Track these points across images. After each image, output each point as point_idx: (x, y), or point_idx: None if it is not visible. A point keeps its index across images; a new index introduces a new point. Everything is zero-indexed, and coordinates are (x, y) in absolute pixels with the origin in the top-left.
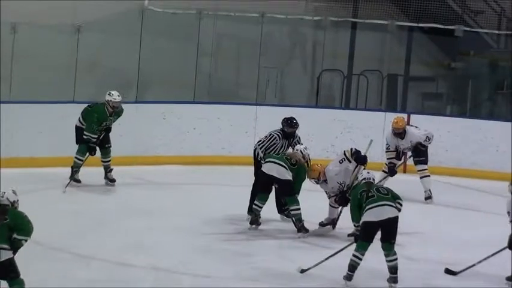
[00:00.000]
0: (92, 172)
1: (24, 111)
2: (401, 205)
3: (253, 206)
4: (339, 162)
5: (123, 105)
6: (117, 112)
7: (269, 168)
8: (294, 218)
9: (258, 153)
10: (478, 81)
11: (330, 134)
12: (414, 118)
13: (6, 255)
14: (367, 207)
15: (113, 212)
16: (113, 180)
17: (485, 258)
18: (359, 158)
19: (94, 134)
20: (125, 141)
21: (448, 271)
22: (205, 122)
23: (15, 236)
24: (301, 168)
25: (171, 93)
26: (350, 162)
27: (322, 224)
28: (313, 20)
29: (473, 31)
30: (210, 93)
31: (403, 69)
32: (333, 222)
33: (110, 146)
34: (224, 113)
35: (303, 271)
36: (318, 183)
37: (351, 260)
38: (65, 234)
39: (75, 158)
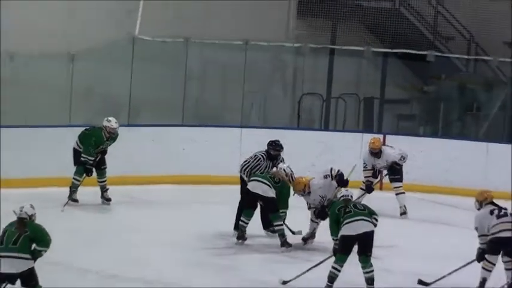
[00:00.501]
0: (88, 192)
1: (22, 134)
2: (377, 220)
3: (240, 222)
4: (324, 177)
5: None
6: (113, 137)
7: (254, 186)
8: (278, 234)
9: (244, 173)
10: (449, 103)
11: (310, 154)
12: (390, 138)
13: (29, 264)
14: (345, 221)
15: (108, 229)
16: (108, 200)
17: (455, 270)
18: (341, 181)
19: (91, 156)
20: (118, 162)
21: (420, 282)
22: (193, 144)
23: (35, 247)
24: (284, 186)
25: (160, 116)
26: (332, 179)
27: (304, 239)
28: (293, 46)
29: (444, 56)
30: (197, 116)
31: (378, 92)
32: (313, 235)
33: (106, 167)
34: (211, 135)
35: (284, 283)
36: (303, 195)
37: (330, 271)
38: (62, 249)
39: (73, 178)
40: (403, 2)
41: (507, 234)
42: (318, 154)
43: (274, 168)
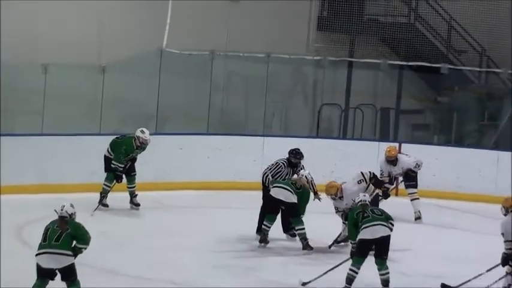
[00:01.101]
0: (118, 197)
1: (55, 143)
2: (393, 225)
3: (262, 226)
4: (357, 182)
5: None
6: (142, 147)
7: (276, 193)
8: (300, 237)
9: (266, 179)
10: (461, 114)
11: (329, 162)
12: (405, 147)
13: (69, 260)
14: (363, 226)
15: (137, 233)
16: (137, 205)
17: (480, 275)
18: (377, 183)
19: (121, 163)
20: (147, 168)
21: (444, 286)
22: (217, 152)
23: (76, 244)
24: (305, 192)
25: (186, 125)
26: (367, 183)
27: (337, 242)
28: (313, 59)
29: (457, 69)
30: (221, 125)
31: (394, 103)
32: (347, 238)
33: (135, 174)
34: (234, 143)
35: (304, 284)
36: (334, 199)
37: (348, 273)
38: (93, 252)
39: (104, 184)
40: (418, 17)
41: None
42: (337, 161)
43: (295, 175)
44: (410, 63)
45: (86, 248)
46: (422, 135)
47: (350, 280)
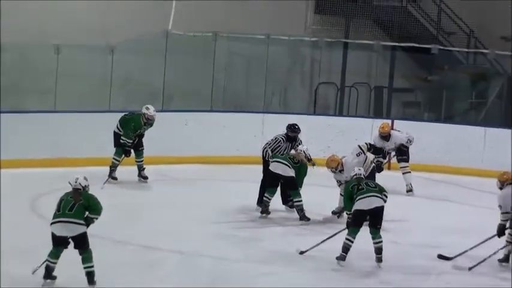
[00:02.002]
0: (126, 171)
1: (67, 119)
2: (386, 196)
3: (264, 198)
4: (356, 155)
5: None
6: (149, 123)
7: (275, 167)
8: (297, 208)
9: (265, 153)
10: (451, 92)
11: (326, 137)
12: (397, 123)
13: (83, 229)
14: (358, 198)
15: (145, 205)
16: (145, 178)
17: (476, 245)
18: (375, 151)
19: (129, 139)
20: (154, 143)
21: (441, 256)
22: (220, 128)
23: (88, 214)
24: (302, 166)
25: (191, 103)
26: (365, 154)
27: (334, 212)
28: (311, 40)
29: (446, 49)
30: (224, 103)
31: (387, 82)
32: (343, 210)
33: (143, 149)
34: (236, 119)
35: (301, 252)
36: (334, 172)
37: (344, 242)
38: (103, 223)
39: (113, 159)
40: (410, 1)
41: None
42: (333, 137)
43: (293, 150)
44: (402, 44)
45: (97, 218)
46: (414, 112)
47: (346, 249)
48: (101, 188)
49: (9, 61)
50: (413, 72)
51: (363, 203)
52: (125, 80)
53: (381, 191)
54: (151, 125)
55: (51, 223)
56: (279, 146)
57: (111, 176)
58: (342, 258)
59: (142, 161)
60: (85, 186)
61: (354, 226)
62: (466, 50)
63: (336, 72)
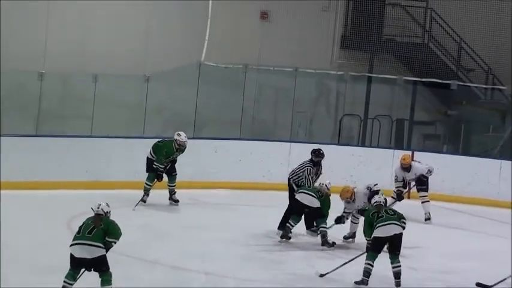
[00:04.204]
0: (158, 194)
1: (103, 144)
2: (405, 224)
3: (287, 224)
4: (367, 187)
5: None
6: (181, 149)
7: (302, 198)
8: (321, 233)
9: (292, 180)
10: (469, 126)
11: (349, 166)
12: (417, 154)
13: (101, 252)
14: (377, 225)
15: (175, 226)
16: (176, 201)
17: None
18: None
19: (162, 165)
20: (185, 169)
21: (479, 285)
22: (249, 155)
23: (107, 238)
24: (326, 198)
25: (221, 131)
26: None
27: (345, 238)
28: (336, 74)
29: (465, 85)
30: (253, 132)
31: (408, 115)
32: (354, 235)
33: (176, 174)
34: (264, 148)
35: (321, 275)
36: (348, 202)
37: (365, 267)
38: (132, 244)
39: (145, 183)
40: (431, 38)
41: None
42: (355, 166)
43: (317, 184)
44: (423, 80)
45: (115, 242)
46: (433, 145)
47: (367, 273)
48: (133, 209)
49: (50, 88)
50: (433, 106)
51: (383, 230)
52: (159, 108)
53: (399, 218)
54: (182, 151)
55: (71, 245)
56: (310, 172)
57: (142, 199)
58: (364, 282)
59: (174, 185)
60: (107, 212)
61: (373, 251)
62: (484, 86)
63: (360, 104)
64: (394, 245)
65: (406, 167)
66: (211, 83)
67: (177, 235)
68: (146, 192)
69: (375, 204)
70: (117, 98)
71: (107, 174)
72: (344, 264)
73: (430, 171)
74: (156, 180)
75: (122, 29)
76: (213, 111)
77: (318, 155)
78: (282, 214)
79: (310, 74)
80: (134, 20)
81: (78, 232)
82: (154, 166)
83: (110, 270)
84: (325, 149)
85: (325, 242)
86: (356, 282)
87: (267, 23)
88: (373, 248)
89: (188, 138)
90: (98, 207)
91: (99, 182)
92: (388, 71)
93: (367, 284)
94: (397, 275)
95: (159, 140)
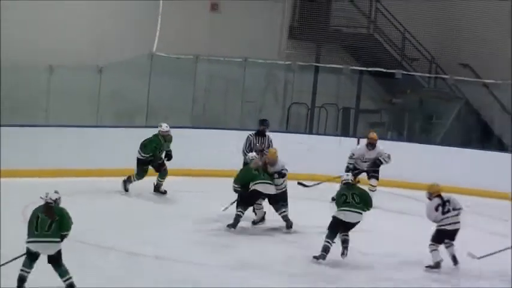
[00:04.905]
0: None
1: (58, 133)
2: (368, 209)
3: (238, 213)
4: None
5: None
6: (168, 139)
7: (264, 188)
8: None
9: (243, 154)
10: (413, 113)
11: (297, 153)
12: (362, 141)
13: (58, 247)
14: (341, 208)
15: (130, 213)
16: (164, 192)
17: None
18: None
19: (147, 154)
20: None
21: (469, 254)
22: (200, 143)
23: (61, 232)
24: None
25: (172, 120)
26: None
27: (254, 223)
28: (285, 64)
29: (409, 74)
30: (203, 121)
31: (354, 103)
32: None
33: (166, 169)
34: (214, 136)
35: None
36: (272, 165)
37: (324, 244)
38: (89, 231)
39: (135, 175)
40: (377, 29)
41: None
42: (303, 153)
43: (253, 154)
44: (369, 69)
45: (68, 234)
46: (378, 132)
47: (325, 249)
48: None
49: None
50: (378, 95)
51: (343, 214)
52: (112, 98)
53: (363, 207)
54: (170, 140)
55: (28, 241)
56: (250, 141)
57: (125, 188)
58: (322, 257)
59: (163, 180)
60: (56, 199)
61: (330, 231)
62: (428, 75)
63: (307, 93)
64: (347, 229)
65: (373, 143)
66: (163, 73)
67: (134, 221)
68: (130, 182)
69: (344, 182)
70: (71, 89)
71: (62, 162)
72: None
73: (389, 157)
74: (141, 178)
75: (75, 21)
76: (165, 100)
77: (261, 123)
78: (232, 200)
79: (259, 64)
80: (87, 12)
81: (36, 228)
82: (140, 157)
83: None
84: (274, 136)
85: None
86: (315, 257)
87: (217, 14)
88: (331, 227)
89: (141, 127)
90: (46, 196)
91: (55, 169)
92: (335, 61)
93: (324, 259)
94: (345, 245)
95: (144, 139)
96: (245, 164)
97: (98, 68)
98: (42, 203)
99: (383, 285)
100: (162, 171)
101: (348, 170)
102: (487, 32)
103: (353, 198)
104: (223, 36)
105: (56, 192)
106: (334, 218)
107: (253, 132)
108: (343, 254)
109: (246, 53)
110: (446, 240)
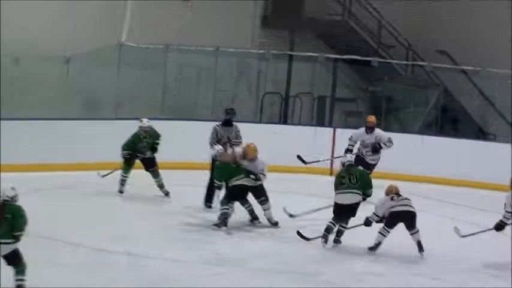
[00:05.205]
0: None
1: (22, 126)
2: (368, 194)
3: (227, 212)
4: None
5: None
6: (151, 134)
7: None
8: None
9: (210, 146)
10: (390, 102)
11: (271, 144)
12: (338, 132)
13: (11, 247)
14: (337, 191)
15: (100, 208)
16: (167, 193)
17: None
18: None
19: (129, 149)
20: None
21: (455, 229)
22: (170, 134)
23: (13, 233)
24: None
25: (142, 111)
26: None
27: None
28: (258, 53)
29: (386, 62)
30: (174, 111)
31: (330, 92)
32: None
33: (154, 169)
34: (185, 127)
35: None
36: (251, 161)
37: (328, 224)
38: (57, 227)
39: (121, 175)
40: (351, 16)
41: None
42: (277, 144)
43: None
44: (344, 57)
45: (22, 235)
46: (355, 121)
47: (328, 229)
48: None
49: None
50: (355, 83)
51: (340, 198)
52: (79, 89)
53: (362, 188)
54: (152, 135)
55: None
56: (217, 131)
57: (120, 191)
58: (324, 237)
59: (160, 180)
60: (13, 196)
61: (334, 215)
62: (405, 62)
63: (281, 82)
64: (347, 212)
65: (371, 127)
66: (133, 63)
67: (103, 217)
68: (122, 183)
69: (347, 164)
70: (38, 80)
71: (27, 157)
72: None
73: (390, 140)
74: (129, 170)
75: (41, 12)
76: (134, 91)
77: (227, 112)
78: (205, 193)
79: (231, 53)
80: (54, 1)
81: None
82: (124, 151)
83: (25, 258)
84: (247, 127)
85: (254, 219)
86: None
87: (187, 3)
88: (333, 212)
89: (109, 119)
90: (3, 194)
91: (18, 165)
92: (309, 49)
93: (327, 239)
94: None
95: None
96: (213, 158)
97: (65, 58)
98: None
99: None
100: (150, 172)
101: (347, 151)
102: (466, 19)
103: (349, 180)
104: (194, 25)
105: (12, 188)
106: (334, 203)
107: (219, 122)
108: (334, 241)
109: (218, 42)
110: (410, 228)
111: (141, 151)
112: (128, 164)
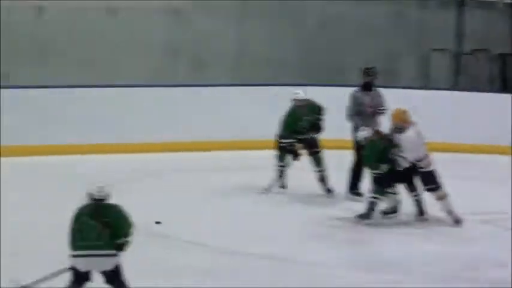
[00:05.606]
0: None
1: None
2: None
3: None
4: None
5: None
6: (310, 108)
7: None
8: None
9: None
10: None
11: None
12: None
13: (116, 260)
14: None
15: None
16: (330, 191)
17: None
18: None
19: (291, 138)
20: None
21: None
22: None
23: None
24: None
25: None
26: None
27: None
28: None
29: None
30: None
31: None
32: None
33: (318, 153)
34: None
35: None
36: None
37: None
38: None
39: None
40: None
41: None
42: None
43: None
44: None
45: (128, 242)
46: None
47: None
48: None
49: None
50: None
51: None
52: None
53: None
54: (310, 108)
55: (73, 255)
56: (356, 99)
57: (282, 185)
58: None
59: (321, 170)
60: (107, 194)
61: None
62: None
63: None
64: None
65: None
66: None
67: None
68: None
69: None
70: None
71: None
72: None
73: None
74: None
75: None
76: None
77: (366, 73)
78: (350, 179)
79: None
80: None
81: (81, 238)
82: (280, 145)
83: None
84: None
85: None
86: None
87: None
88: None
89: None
90: (98, 190)
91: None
92: None
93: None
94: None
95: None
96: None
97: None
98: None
99: None
100: (313, 157)
101: None
102: None
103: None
104: None
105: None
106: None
107: (358, 88)
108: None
109: None
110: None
111: (301, 131)
112: (283, 153)
